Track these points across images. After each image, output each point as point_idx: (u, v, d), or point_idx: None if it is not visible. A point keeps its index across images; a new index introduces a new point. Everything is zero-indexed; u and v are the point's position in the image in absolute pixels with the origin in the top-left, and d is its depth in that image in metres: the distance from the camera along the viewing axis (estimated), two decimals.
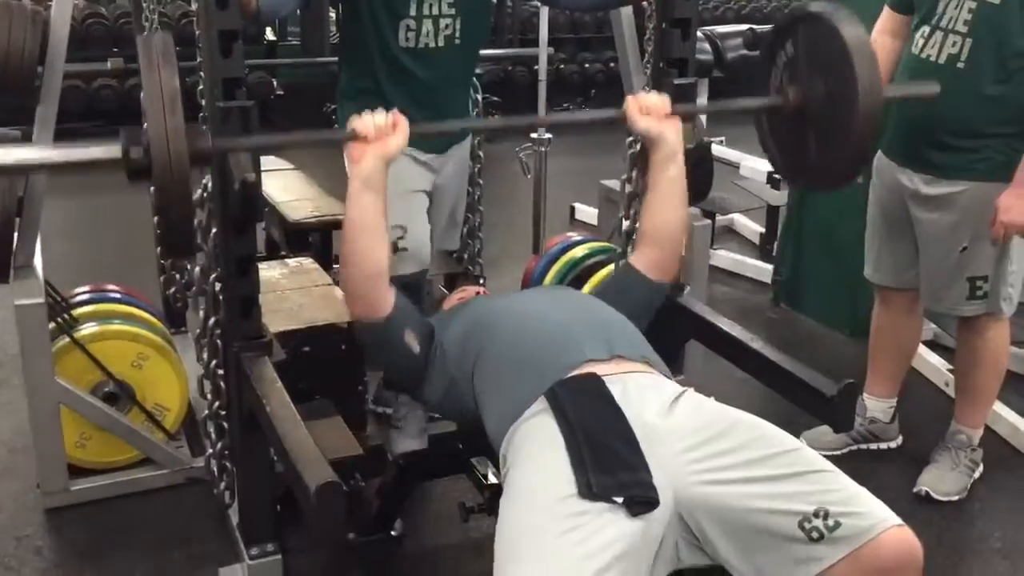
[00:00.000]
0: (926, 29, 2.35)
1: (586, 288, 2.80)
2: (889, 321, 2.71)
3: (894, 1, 2.50)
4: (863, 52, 1.76)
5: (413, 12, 2.26)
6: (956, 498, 2.55)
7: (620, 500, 1.39)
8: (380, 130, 1.70)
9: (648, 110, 1.88)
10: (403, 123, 1.73)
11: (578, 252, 3.00)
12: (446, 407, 1.92)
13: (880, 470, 2.69)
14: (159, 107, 1.39)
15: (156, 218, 2.54)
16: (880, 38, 2.48)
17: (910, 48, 2.40)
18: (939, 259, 2.44)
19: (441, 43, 2.32)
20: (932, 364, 3.22)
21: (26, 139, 2.33)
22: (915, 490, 2.54)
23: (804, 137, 1.93)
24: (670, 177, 1.93)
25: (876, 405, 2.78)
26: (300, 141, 2.11)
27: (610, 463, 1.43)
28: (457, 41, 2.33)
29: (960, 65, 2.29)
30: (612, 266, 2.61)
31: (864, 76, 1.74)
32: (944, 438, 2.62)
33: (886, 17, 2.52)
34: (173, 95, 1.42)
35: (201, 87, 1.94)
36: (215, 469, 2.26)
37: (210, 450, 2.26)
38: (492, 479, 2.09)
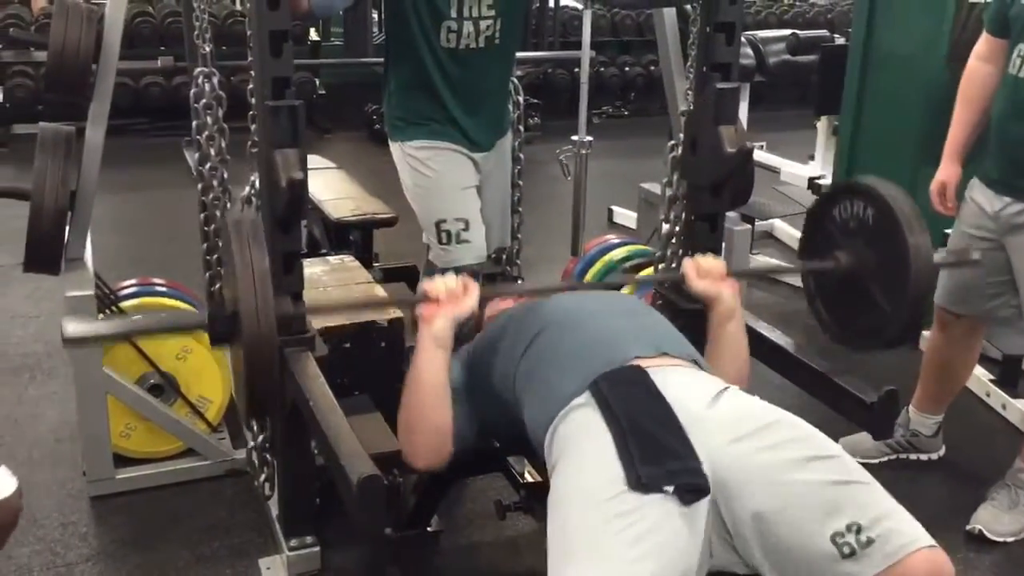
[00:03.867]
0: (1022, 47, 2.29)
1: (626, 290, 2.82)
2: (946, 345, 2.64)
3: (991, 26, 2.43)
4: (914, 223, 1.80)
5: (454, 14, 2.30)
6: (1012, 540, 2.41)
7: (671, 489, 1.39)
8: (452, 292, 1.75)
9: (706, 273, 1.93)
10: (473, 286, 1.77)
11: (617, 255, 3.01)
12: (487, 425, 1.91)
13: (919, 482, 2.65)
14: (251, 286, 1.47)
15: (204, 215, 2.58)
16: (976, 63, 2.44)
17: (1007, 70, 2.33)
18: None
19: (482, 44, 2.35)
20: (975, 375, 3.17)
21: (80, 135, 2.38)
22: (968, 528, 2.41)
23: (853, 300, 1.96)
24: (729, 333, 1.94)
25: (921, 420, 2.73)
26: (351, 304, 2.25)
27: (657, 453, 1.43)
28: (497, 42, 2.37)
29: None
30: (650, 269, 2.62)
31: (916, 247, 1.78)
32: (1004, 475, 2.49)
33: (983, 42, 2.45)
34: (263, 276, 1.50)
35: (250, 86, 1.98)
36: (256, 461, 2.30)
37: (251, 442, 2.30)
38: (528, 478, 2.11)
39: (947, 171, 2.53)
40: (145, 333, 1.58)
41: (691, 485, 1.41)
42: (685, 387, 1.58)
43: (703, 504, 1.42)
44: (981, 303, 2.51)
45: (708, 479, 1.43)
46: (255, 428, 2.26)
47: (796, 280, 4.20)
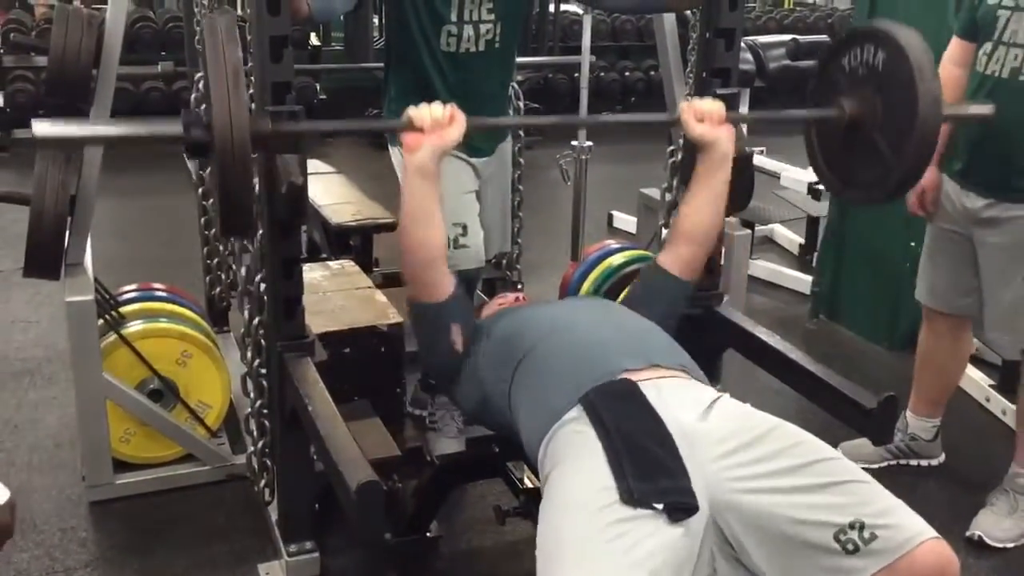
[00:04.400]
0: (988, 46, 2.30)
1: (622, 298, 2.82)
2: (936, 344, 2.65)
3: (962, 29, 2.44)
4: (927, 69, 1.76)
5: (454, 18, 2.30)
6: (1012, 545, 2.40)
7: (660, 507, 1.39)
8: (437, 121, 1.73)
9: (703, 116, 1.90)
10: (460, 116, 1.76)
11: (616, 260, 3.00)
12: (481, 417, 1.94)
13: (919, 487, 2.65)
14: (223, 83, 1.41)
15: (204, 219, 2.58)
16: (948, 67, 2.44)
17: (974, 68, 2.35)
18: (1010, 287, 2.36)
19: (482, 48, 2.36)
20: (974, 379, 3.18)
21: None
22: (968, 534, 2.39)
23: (855, 151, 1.92)
24: (717, 181, 1.94)
25: (918, 423, 2.73)
26: (355, 128, 2.14)
27: (649, 469, 1.43)
28: (497, 45, 2.38)
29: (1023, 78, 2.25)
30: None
31: (927, 92, 1.74)
32: (1003, 481, 2.49)
33: (954, 46, 2.46)
34: (237, 71, 1.44)
35: (251, 91, 1.98)
36: (256, 466, 2.29)
37: (251, 448, 2.30)
38: (528, 483, 2.11)
39: (926, 176, 2.54)
40: (119, 142, 1.51)
41: (680, 504, 1.41)
42: (677, 400, 1.58)
43: (696, 522, 1.42)
44: (956, 299, 2.53)
45: (697, 498, 1.42)
46: (255, 433, 2.26)
47: (796, 286, 4.21)
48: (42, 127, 1.47)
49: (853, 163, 1.95)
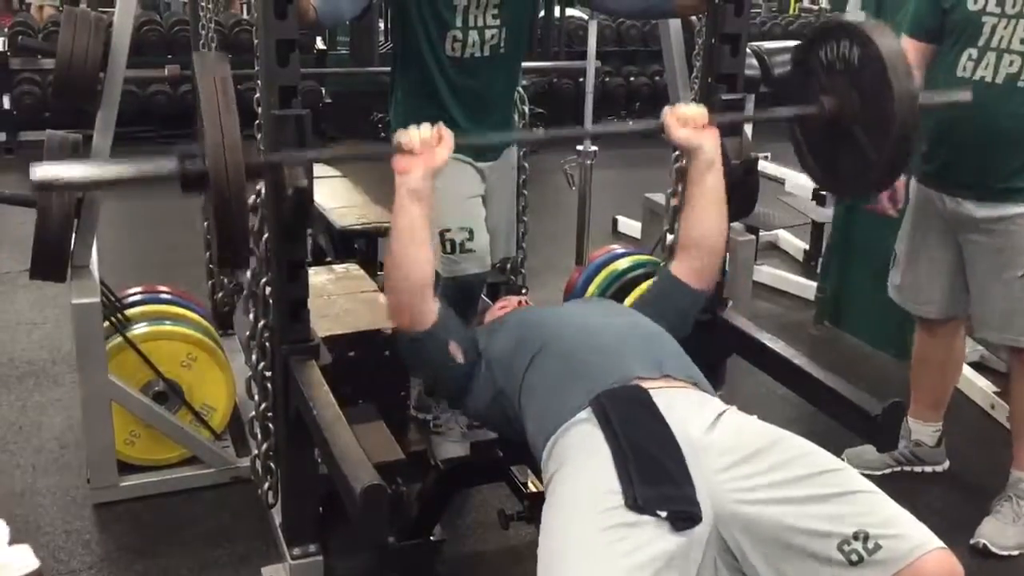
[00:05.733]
0: (973, 52, 2.31)
1: (628, 300, 2.82)
2: (932, 349, 2.66)
3: (917, 30, 2.43)
4: (898, 61, 1.77)
5: (459, 23, 2.31)
6: (1016, 553, 2.40)
7: (664, 515, 1.39)
8: (426, 143, 1.73)
9: (686, 121, 1.89)
10: (448, 136, 1.75)
11: (621, 264, 3.01)
12: (490, 417, 1.93)
13: (923, 495, 2.64)
14: (217, 124, 1.42)
15: (207, 223, 2.58)
16: None
17: (953, 72, 2.34)
18: (999, 287, 2.37)
19: (487, 52, 2.36)
20: (978, 387, 3.17)
21: (86, 142, 2.39)
22: (972, 541, 2.41)
23: (839, 146, 1.93)
24: (709, 187, 1.93)
25: (921, 429, 2.73)
26: (348, 155, 2.15)
27: (655, 476, 1.43)
28: (502, 50, 2.38)
29: (1022, 83, 2.25)
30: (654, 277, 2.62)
31: (900, 84, 1.75)
32: (1005, 487, 2.50)
33: (908, 47, 2.39)
34: (231, 116, 1.46)
35: (257, 95, 1.98)
36: (260, 469, 2.29)
37: (255, 450, 2.29)
38: (532, 487, 2.11)
39: None
40: (114, 182, 1.53)
41: (684, 513, 1.40)
42: (686, 411, 1.57)
43: (699, 532, 1.41)
44: (944, 302, 2.54)
45: (701, 508, 1.42)
46: (259, 436, 2.26)
47: (801, 292, 4.21)
48: (40, 171, 1.48)
49: (837, 157, 1.95)
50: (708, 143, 1.90)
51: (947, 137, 2.39)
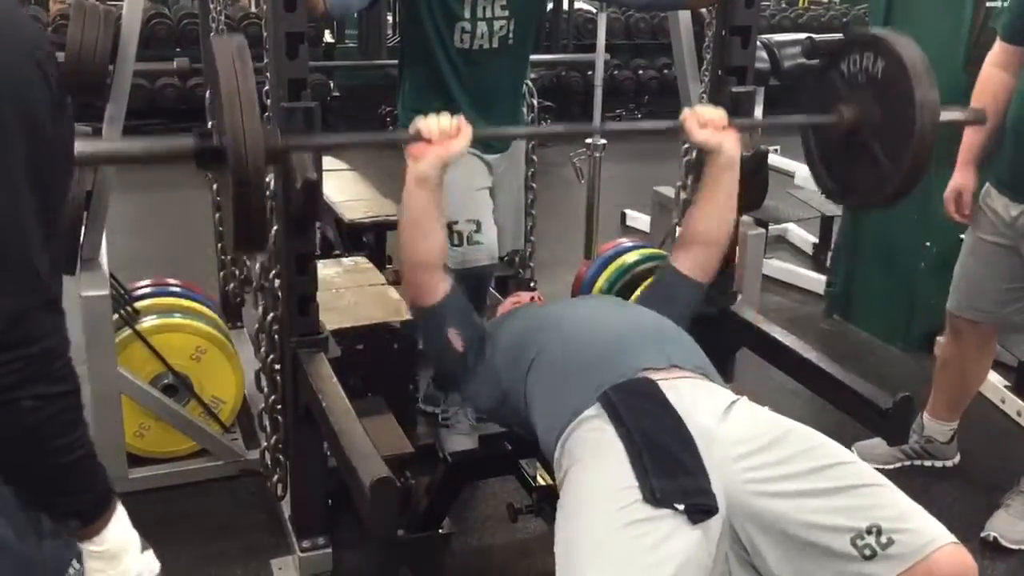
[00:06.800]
0: None
1: (635, 297, 2.81)
2: (960, 353, 2.62)
3: (1008, 33, 2.41)
4: (924, 78, 1.76)
5: (468, 15, 2.30)
6: None
7: (681, 507, 1.38)
8: (444, 132, 1.73)
9: (706, 123, 1.89)
10: (467, 128, 1.75)
11: (629, 258, 3.00)
12: (497, 415, 1.94)
13: (933, 488, 2.63)
14: (236, 105, 1.41)
15: (219, 215, 2.59)
16: (992, 71, 2.43)
17: None
18: None
19: (495, 44, 2.36)
20: (990, 381, 3.15)
21: (96, 136, 2.39)
22: (983, 535, 2.39)
23: (853, 157, 1.92)
24: (726, 185, 1.95)
25: (936, 427, 2.71)
26: (365, 142, 2.15)
27: (671, 468, 1.42)
28: (510, 42, 2.38)
29: None
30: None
31: (924, 101, 1.74)
32: (1019, 482, 2.48)
33: (999, 50, 2.43)
34: (250, 94, 1.44)
35: (266, 87, 1.98)
36: (269, 462, 2.30)
37: (264, 443, 2.30)
38: (541, 481, 2.11)
39: (962, 178, 2.52)
40: (131, 159, 1.54)
41: (701, 505, 1.40)
42: (696, 401, 1.57)
43: (715, 523, 1.41)
44: (996, 308, 2.49)
45: (717, 499, 1.42)
46: (268, 429, 2.27)
47: (810, 285, 4.20)
48: None
49: (851, 169, 1.95)
50: (728, 143, 1.91)
51: (1017, 141, 2.36)
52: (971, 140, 2.51)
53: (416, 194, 1.75)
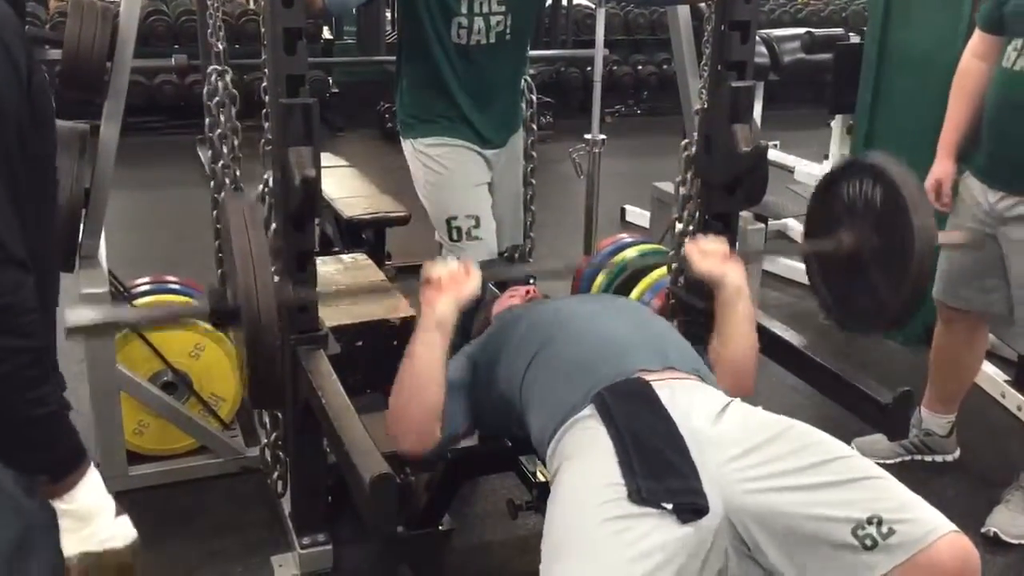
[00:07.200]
0: (1018, 42, 2.28)
1: (635, 292, 2.81)
2: (952, 342, 2.62)
3: (986, 23, 2.42)
4: (921, 207, 1.77)
5: (464, 10, 2.31)
6: None
7: (669, 507, 1.39)
8: (453, 276, 1.75)
9: (707, 254, 1.90)
10: (476, 271, 1.77)
11: (629, 254, 3.00)
12: (493, 422, 1.92)
13: (933, 483, 2.63)
14: (249, 267, 1.45)
15: (217, 218, 2.59)
16: (970, 60, 2.44)
17: (1001, 63, 2.33)
18: None
19: (492, 39, 2.36)
20: (989, 375, 3.16)
21: (94, 132, 2.39)
22: (983, 530, 2.39)
23: (854, 282, 1.94)
24: (738, 313, 1.89)
25: (933, 420, 2.72)
26: (352, 293, 2.22)
27: (659, 469, 1.43)
28: (508, 37, 2.38)
29: None
30: (663, 269, 2.61)
31: (922, 231, 1.75)
32: (1019, 477, 2.47)
33: (977, 40, 2.44)
34: (262, 255, 1.49)
35: (264, 84, 1.98)
36: (269, 459, 2.30)
37: (264, 440, 2.31)
38: (540, 477, 2.11)
39: (942, 168, 2.52)
40: (148, 326, 1.59)
41: (690, 505, 1.40)
42: (690, 403, 1.57)
43: (707, 522, 1.41)
44: (977, 295, 2.50)
45: (708, 499, 1.41)
46: (268, 426, 2.27)
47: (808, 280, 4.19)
48: (73, 316, 1.54)
49: (853, 292, 1.96)
50: (732, 273, 1.90)
51: (994, 129, 2.36)
52: (951, 131, 2.52)
53: (428, 341, 1.72)
